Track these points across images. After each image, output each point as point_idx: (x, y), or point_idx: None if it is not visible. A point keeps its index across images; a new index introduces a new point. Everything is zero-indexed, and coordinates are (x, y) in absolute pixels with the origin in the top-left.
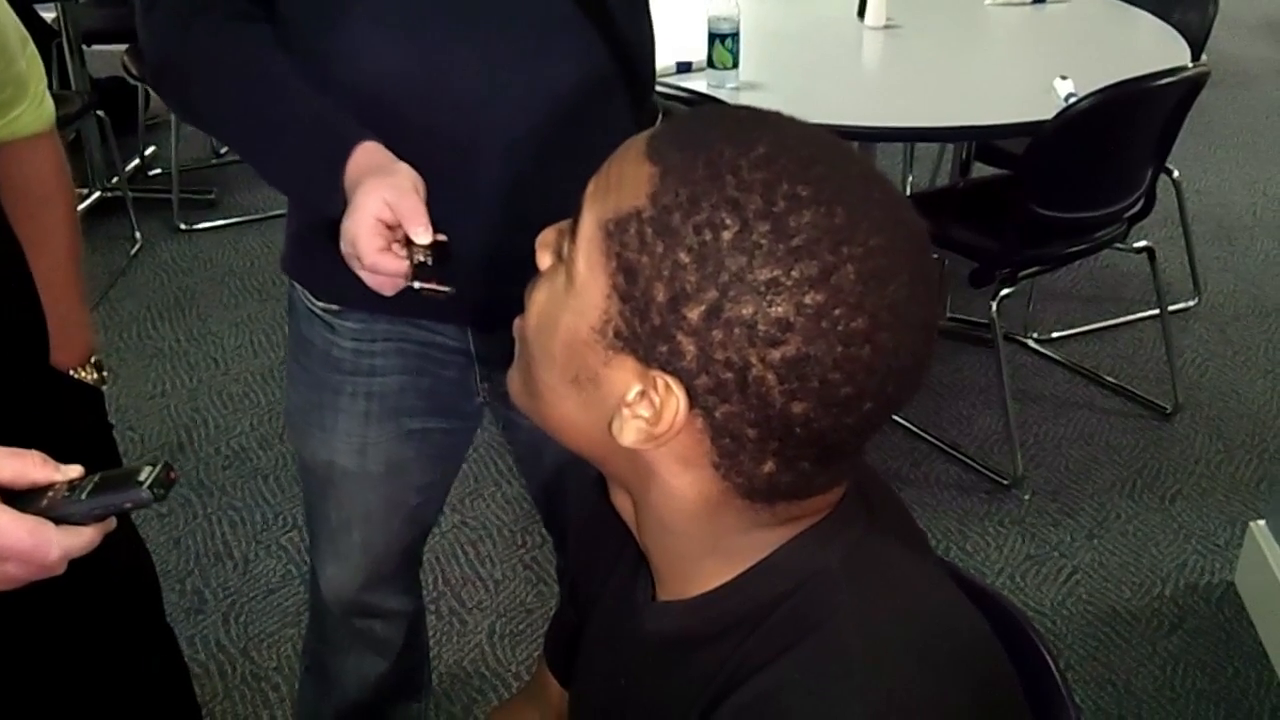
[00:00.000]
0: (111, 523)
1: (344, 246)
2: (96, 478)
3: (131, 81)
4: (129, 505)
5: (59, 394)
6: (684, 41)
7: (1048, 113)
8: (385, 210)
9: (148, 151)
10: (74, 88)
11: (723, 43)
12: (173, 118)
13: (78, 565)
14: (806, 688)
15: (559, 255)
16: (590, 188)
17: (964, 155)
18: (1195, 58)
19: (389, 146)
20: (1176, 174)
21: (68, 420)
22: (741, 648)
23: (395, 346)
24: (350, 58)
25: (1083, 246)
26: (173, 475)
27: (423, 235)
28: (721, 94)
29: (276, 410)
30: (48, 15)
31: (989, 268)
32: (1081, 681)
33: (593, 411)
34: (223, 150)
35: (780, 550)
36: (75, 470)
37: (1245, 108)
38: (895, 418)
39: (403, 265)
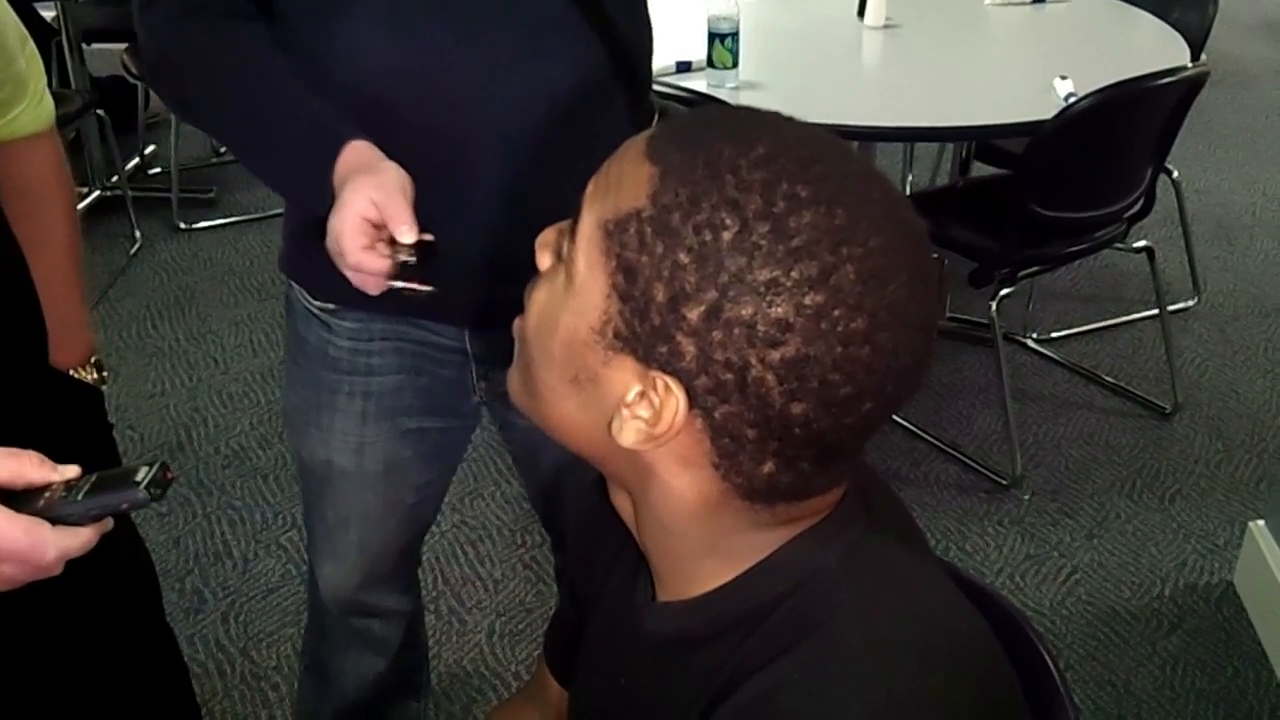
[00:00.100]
0: (109, 523)
1: (329, 244)
2: (93, 478)
3: (131, 80)
4: (126, 506)
5: (59, 394)
6: (684, 41)
7: (1047, 112)
8: (371, 209)
9: (147, 150)
10: (74, 86)
11: (722, 42)
12: (172, 117)
13: (77, 564)
14: (806, 688)
15: (559, 255)
16: (590, 188)
17: (964, 155)
18: (1195, 58)
19: (387, 145)
20: (1176, 174)
21: (67, 420)
22: (741, 648)
23: (392, 346)
24: (348, 57)
25: (1082, 246)
26: (169, 476)
27: (407, 234)
28: (721, 93)
29: (276, 409)
30: (47, 14)
31: (989, 267)
32: (1081, 681)
33: (592, 412)
34: (222, 149)
35: (780, 551)
36: (72, 470)
37: (1244, 107)
38: (895, 417)
39: (385, 264)
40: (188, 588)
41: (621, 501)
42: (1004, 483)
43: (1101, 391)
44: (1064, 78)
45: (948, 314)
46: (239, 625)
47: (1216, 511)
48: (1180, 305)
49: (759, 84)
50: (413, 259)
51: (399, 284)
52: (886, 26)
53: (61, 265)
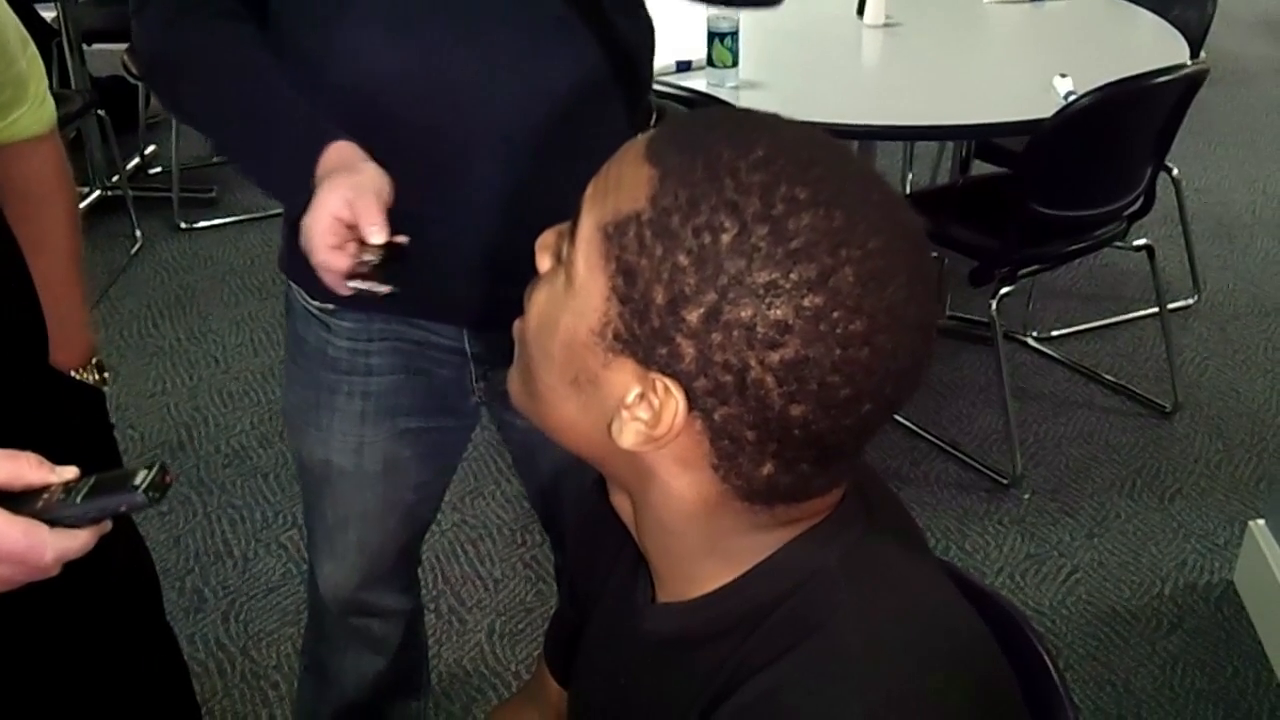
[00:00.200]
0: (107, 525)
1: (301, 241)
2: (92, 480)
3: (132, 80)
4: (124, 508)
5: (59, 395)
6: (684, 40)
7: (1047, 111)
8: (344, 209)
9: (148, 150)
10: (74, 87)
11: (722, 41)
12: (173, 117)
13: (76, 564)
14: (806, 687)
15: (558, 257)
16: (589, 190)
17: (963, 153)
18: (1194, 55)
19: (386, 145)
20: (1176, 172)
21: (68, 421)
22: (741, 648)
23: (391, 346)
24: (347, 57)
25: (1082, 245)
26: (168, 479)
27: (376, 235)
28: (721, 93)
29: (276, 408)
30: (48, 14)
31: (989, 266)
32: (1081, 681)
33: (592, 413)
34: None
35: (779, 552)
36: (71, 472)
37: (1244, 105)
38: (895, 416)
39: (348, 263)
40: (188, 587)
41: (621, 502)
42: (1004, 482)
43: (1102, 390)
44: (1064, 76)
45: (948, 312)
46: (239, 624)
47: (1217, 511)
48: (1180, 304)
49: (759, 83)
50: (377, 260)
51: (356, 283)
52: (886, 25)
53: (62, 266)
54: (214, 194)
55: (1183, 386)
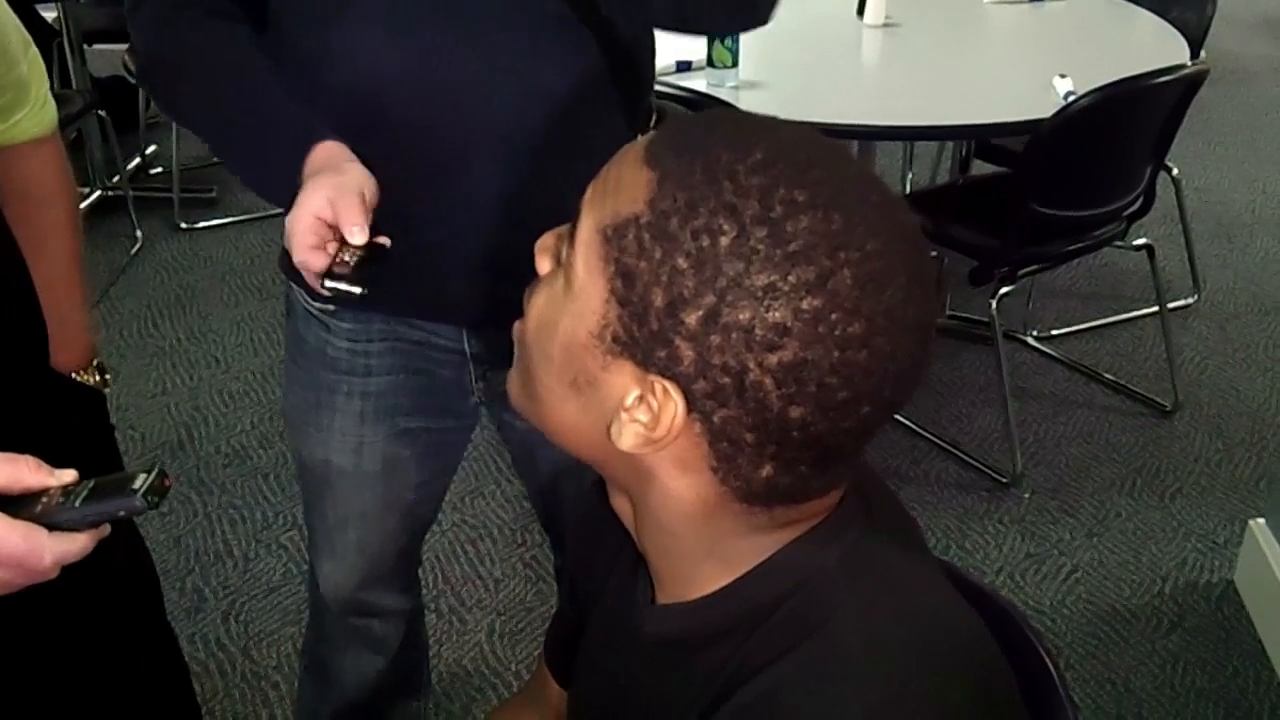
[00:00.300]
0: (105, 529)
1: (284, 240)
2: (91, 484)
3: (132, 80)
4: (123, 513)
5: (60, 397)
6: (684, 40)
7: (1047, 111)
8: (326, 208)
9: (148, 150)
10: (75, 87)
11: (722, 41)
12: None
13: (77, 564)
14: (806, 687)
15: (558, 260)
16: (588, 193)
17: (963, 153)
18: (1194, 55)
19: (384, 146)
20: (1176, 171)
21: (69, 423)
22: (741, 650)
23: (390, 346)
24: (346, 58)
25: (1082, 244)
26: (166, 483)
27: (357, 235)
28: (721, 93)
29: (277, 408)
30: (49, 15)
31: (988, 266)
32: (1081, 680)
33: (591, 415)
34: None
35: (779, 553)
36: (70, 475)
37: (1244, 105)
38: (895, 415)
39: (325, 263)
40: (188, 587)
41: (621, 504)
42: (1004, 481)
43: (1102, 389)
44: (1063, 76)
45: (948, 312)
46: (239, 625)
47: (1217, 510)
48: (1180, 303)
49: (759, 83)
50: (356, 260)
51: (332, 283)
52: (886, 25)
53: (63, 268)
54: (214, 194)
55: (1183, 386)
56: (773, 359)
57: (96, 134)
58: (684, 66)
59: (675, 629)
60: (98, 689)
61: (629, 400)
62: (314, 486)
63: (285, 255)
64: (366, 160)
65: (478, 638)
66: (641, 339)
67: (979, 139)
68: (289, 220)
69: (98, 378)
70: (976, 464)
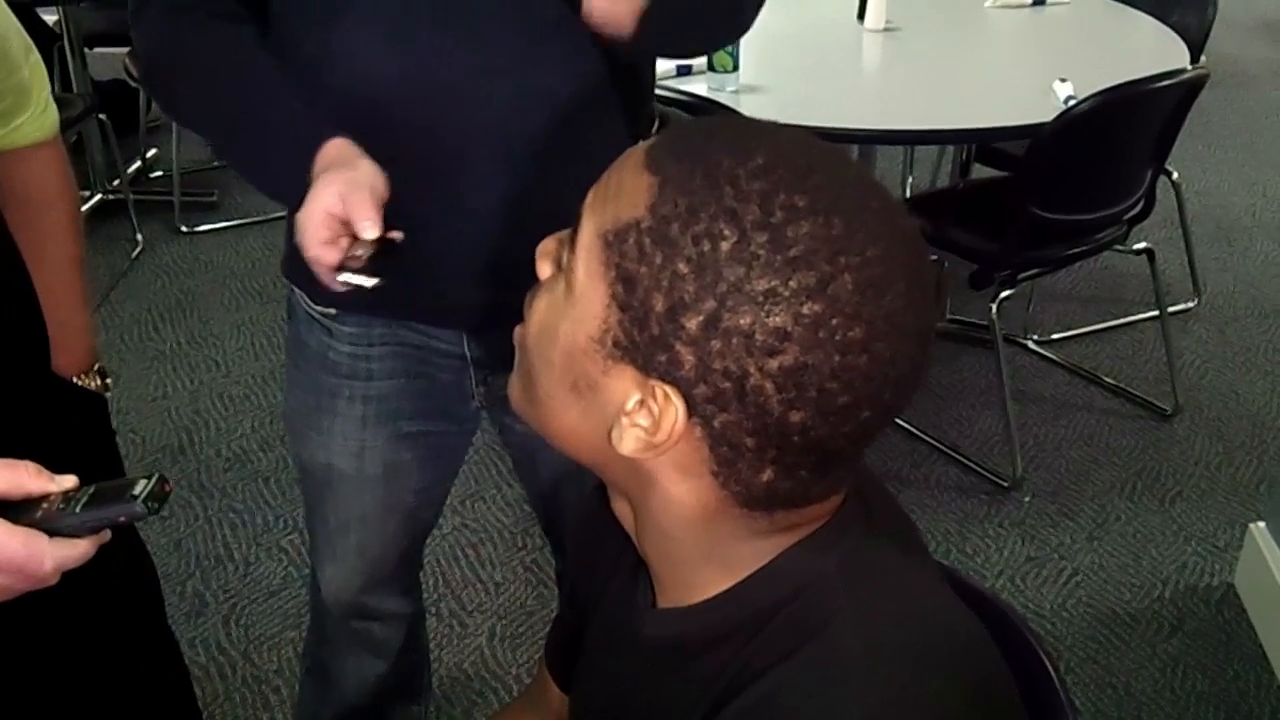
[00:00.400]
0: (106, 534)
1: (295, 236)
2: (91, 489)
3: (133, 84)
4: (123, 519)
5: (61, 401)
6: None
7: (1047, 115)
8: (337, 204)
9: (149, 154)
10: (75, 90)
11: None
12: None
13: (78, 570)
14: (806, 691)
15: (559, 265)
16: (589, 198)
17: (964, 157)
18: (1194, 59)
19: (385, 149)
20: (1176, 175)
21: (70, 428)
22: (741, 654)
23: (392, 350)
24: (345, 60)
25: (1083, 248)
26: (167, 488)
27: (369, 230)
28: (722, 97)
29: (277, 412)
30: (49, 18)
31: (989, 269)
32: (1081, 684)
33: (592, 420)
34: None
35: (779, 558)
36: (70, 481)
37: (1244, 109)
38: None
39: (338, 258)
40: (189, 591)
41: (621, 508)
42: (1004, 484)
43: (1102, 393)
44: (1064, 80)
45: (948, 316)
46: (240, 628)
47: (1217, 513)
48: (1180, 307)
49: (759, 87)
50: (369, 255)
51: (346, 276)
52: (886, 29)
53: (64, 272)
54: (215, 198)
55: (1183, 389)
56: (773, 364)
57: (97, 137)
58: (684, 71)
59: (676, 633)
60: (99, 693)
61: (630, 405)
62: (315, 490)
63: (287, 259)
64: None
65: (478, 641)
66: (642, 344)
67: (979, 143)
68: (300, 216)
69: (99, 382)
70: (976, 467)
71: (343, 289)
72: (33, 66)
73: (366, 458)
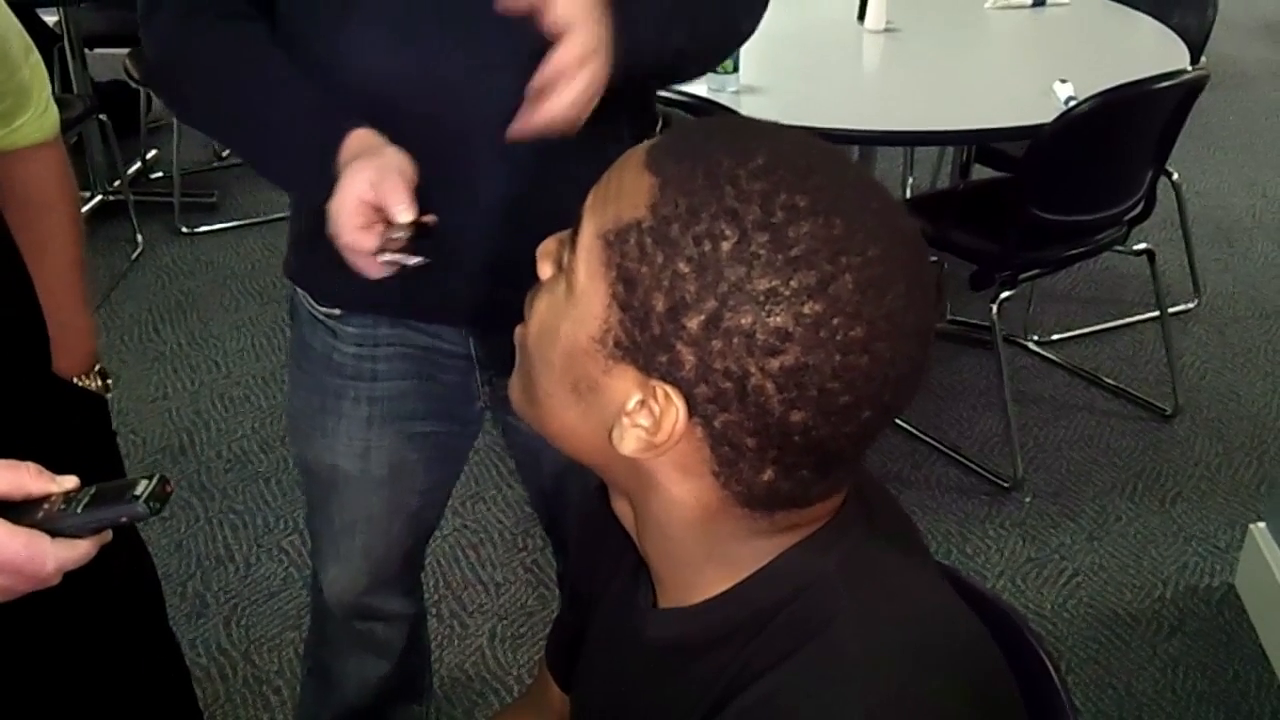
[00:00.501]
0: (107, 535)
1: (329, 227)
2: (93, 490)
3: (133, 85)
4: (124, 519)
5: (62, 402)
6: None
7: (1047, 116)
8: (369, 191)
9: (149, 155)
10: (76, 91)
11: None
12: (174, 121)
13: (80, 571)
14: (806, 691)
15: (559, 265)
16: (590, 198)
17: (964, 158)
18: (1194, 60)
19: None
20: (1176, 176)
21: (71, 428)
22: (742, 654)
23: (397, 351)
24: (347, 60)
25: (1083, 249)
26: (168, 489)
27: (403, 214)
28: (722, 98)
29: (278, 413)
30: (49, 19)
31: (989, 270)
32: (1082, 684)
33: (593, 420)
34: (224, 153)
35: (780, 558)
36: (71, 481)
37: (1244, 109)
38: (896, 420)
39: (376, 242)
40: (189, 592)
41: (622, 508)
42: (1005, 485)
43: (1102, 394)
44: (1064, 81)
45: (948, 316)
46: (241, 629)
47: (1217, 514)
48: (1181, 307)
49: (759, 88)
50: (405, 239)
51: (388, 255)
52: (887, 30)
53: (65, 273)
54: (215, 198)
55: (1183, 390)
56: (774, 364)
57: (97, 138)
58: None
59: (676, 633)
60: (100, 694)
61: (630, 405)
62: (319, 491)
63: (292, 260)
64: None
65: (479, 642)
66: (643, 344)
67: (979, 144)
68: (333, 205)
69: (99, 383)
70: (977, 468)
71: (384, 273)
72: (33, 67)
73: (372, 459)
